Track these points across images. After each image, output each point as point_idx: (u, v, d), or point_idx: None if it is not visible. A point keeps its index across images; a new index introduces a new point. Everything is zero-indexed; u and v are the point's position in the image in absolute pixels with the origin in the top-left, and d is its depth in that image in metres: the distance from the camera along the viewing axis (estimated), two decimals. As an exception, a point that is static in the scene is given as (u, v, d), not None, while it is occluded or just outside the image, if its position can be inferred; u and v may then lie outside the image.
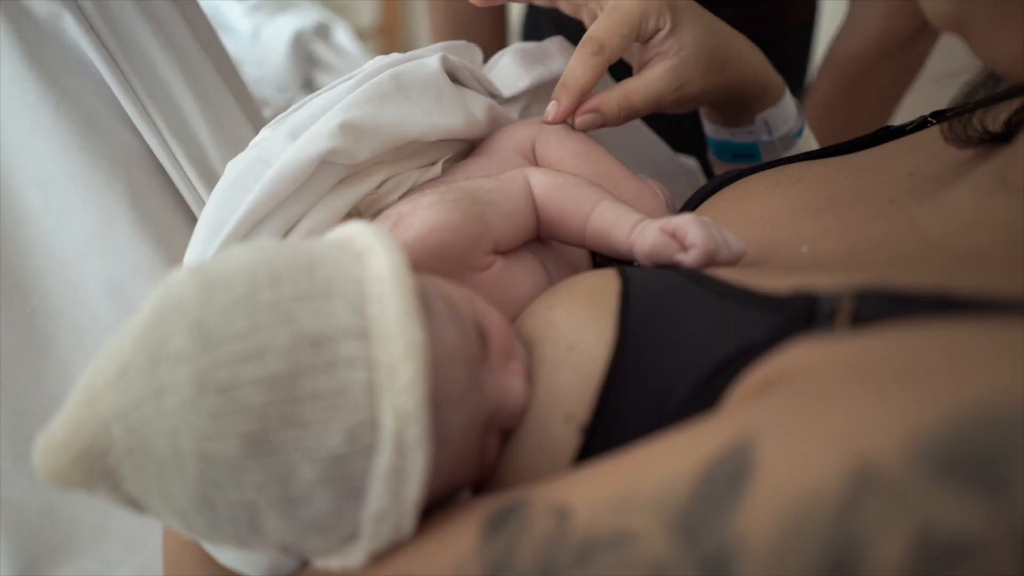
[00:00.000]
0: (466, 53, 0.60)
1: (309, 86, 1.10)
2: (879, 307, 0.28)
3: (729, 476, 0.24)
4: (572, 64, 0.55)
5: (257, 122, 0.61)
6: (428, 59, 0.53)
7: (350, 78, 0.52)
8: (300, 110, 0.51)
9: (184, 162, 0.55)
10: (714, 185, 0.55)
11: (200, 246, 0.44)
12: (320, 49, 1.09)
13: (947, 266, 0.32)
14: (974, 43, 0.32)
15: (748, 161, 0.64)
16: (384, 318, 0.32)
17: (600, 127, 0.56)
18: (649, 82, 0.56)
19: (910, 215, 0.39)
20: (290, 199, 0.44)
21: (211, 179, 0.56)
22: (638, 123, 0.70)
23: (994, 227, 0.34)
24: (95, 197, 0.53)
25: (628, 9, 0.55)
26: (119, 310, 0.53)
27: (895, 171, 0.45)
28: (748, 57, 0.59)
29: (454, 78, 0.55)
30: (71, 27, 0.52)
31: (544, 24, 1.12)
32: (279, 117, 0.52)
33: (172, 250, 0.54)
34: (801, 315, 0.30)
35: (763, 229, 0.46)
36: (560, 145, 0.55)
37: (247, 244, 0.35)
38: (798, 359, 0.28)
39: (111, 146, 0.53)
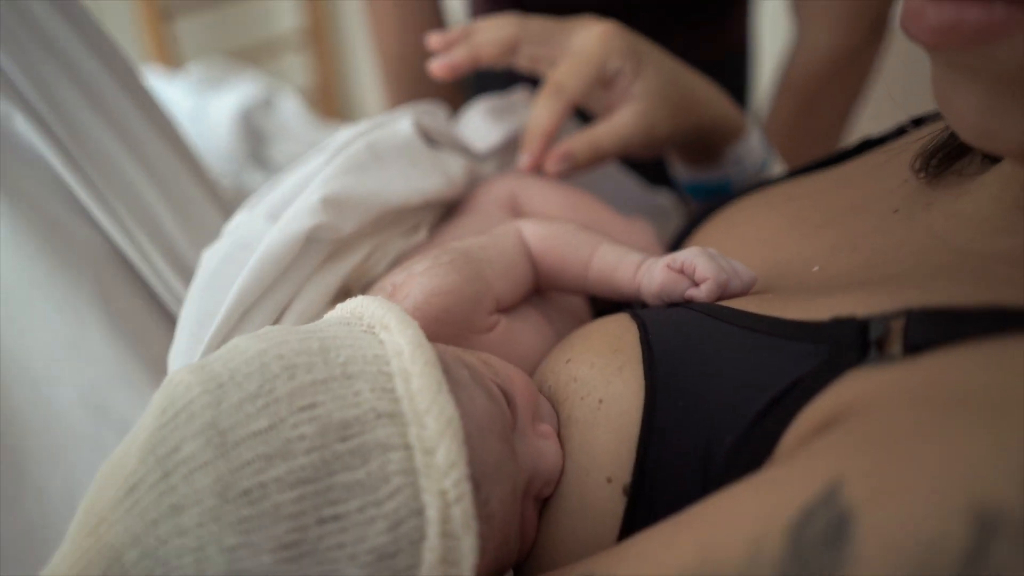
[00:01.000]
0: (433, 112, 0.59)
1: (257, 159, 1.08)
2: (931, 329, 0.27)
3: (825, 531, 0.22)
4: (535, 110, 0.55)
5: (221, 204, 0.59)
6: (400, 124, 0.52)
7: (322, 152, 0.51)
8: (274, 191, 0.49)
9: (153, 254, 0.52)
10: (701, 214, 0.54)
11: (187, 343, 0.42)
12: (266, 121, 1.07)
13: (983, 274, 0.31)
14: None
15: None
16: (412, 395, 0.30)
17: (572, 171, 0.55)
18: (617, 125, 0.56)
19: (923, 223, 0.38)
20: (278, 282, 0.42)
21: (183, 269, 0.53)
22: (613, 165, 0.70)
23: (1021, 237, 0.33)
24: (60, 303, 0.50)
25: (588, 51, 0.55)
26: (97, 422, 0.50)
27: (888, 179, 0.44)
28: (712, 96, 0.60)
29: (427, 140, 0.54)
30: (22, 126, 0.49)
31: (492, 74, 1.12)
32: (251, 199, 0.50)
33: (149, 351, 0.51)
34: (848, 344, 0.29)
35: (764, 252, 0.46)
36: (542, 195, 0.54)
37: (248, 336, 0.33)
38: (858, 392, 0.27)
39: (73, 246, 0.50)
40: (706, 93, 0.60)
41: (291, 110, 1.13)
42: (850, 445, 0.24)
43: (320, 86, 2.50)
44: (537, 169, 0.56)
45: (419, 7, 0.95)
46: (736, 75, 1.04)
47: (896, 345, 0.28)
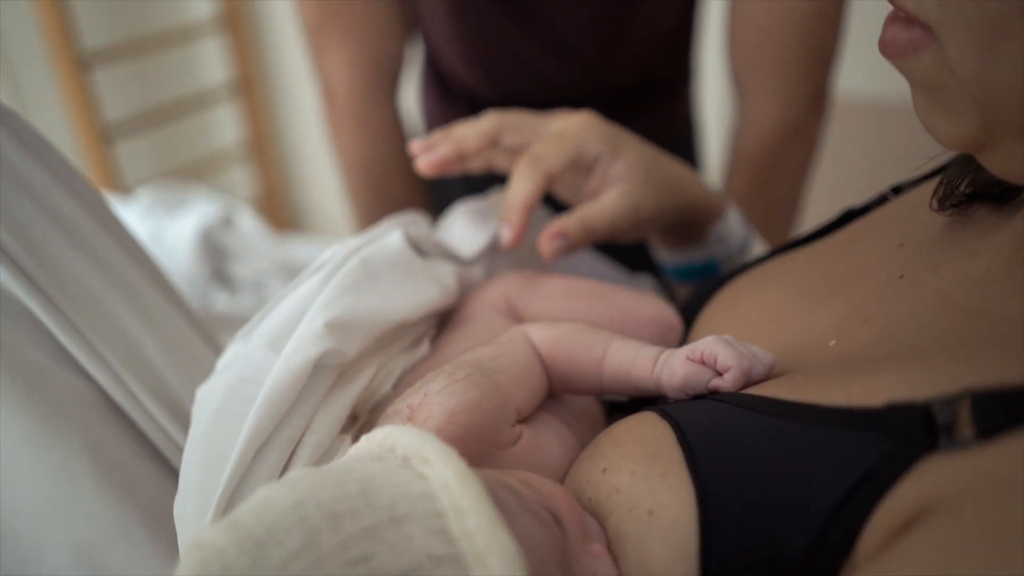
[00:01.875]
0: (416, 222, 0.59)
1: (220, 277, 1.06)
2: (1001, 410, 0.27)
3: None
4: (513, 183, 0.55)
5: (203, 333, 0.57)
6: (390, 238, 0.51)
7: (314, 272, 0.49)
8: (267, 318, 0.47)
9: (142, 394, 0.49)
10: (698, 301, 0.54)
11: (197, 492, 0.39)
12: (227, 238, 1.06)
13: (1015, 340, 0.32)
14: (996, 159, 0.33)
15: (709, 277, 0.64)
16: (469, 534, 0.28)
17: (567, 252, 0.55)
18: (605, 205, 0.56)
19: (932, 287, 0.39)
20: (288, 415, 0.40)
21: (175, 408, 0.51)
22: (589, 254, 0.70)
23: None
24: (48, 456, 0.47)
25: (567, 132, 0.56)
26: (92, 581, 0.46)
27: (882, 245, 0.45)
28: (690, 177, 0.61)
29: (417, 250, 0.53)
30: (3, 276, 0.47)
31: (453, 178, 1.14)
32: (245, 330, 0.48)
33: (144, 502, 0.48)
34: (914, 431, 0.29)
35: (772, 331, 0.46)
36: (539, 293, 0.54)
37: (276, 484, 0.31)
38: (940, 483, 0.26)
39: (59, 396, 0.48)
40: (684, 173, 0.61)
41: (250, 227, 1.12)
42: (955, 543, 0.24)
43: (266, 197, 2.50)
44: (518, 242, 0.55)
45: (377, 114, 0.96)
46: (686, 157, 1.07)
47: (967, 429, 0.27)
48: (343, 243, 0.52)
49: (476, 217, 0.61)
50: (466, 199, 0.63)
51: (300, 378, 0.40)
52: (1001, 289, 0.35)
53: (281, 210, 2.54)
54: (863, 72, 1.32)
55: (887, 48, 0.33)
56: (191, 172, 2.28)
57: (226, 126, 2.51)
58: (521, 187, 0.54)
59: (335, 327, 0.43)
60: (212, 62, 2.42)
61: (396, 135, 0.98)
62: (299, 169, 2.59)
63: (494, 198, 0.64)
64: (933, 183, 0.46)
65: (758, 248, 0.66)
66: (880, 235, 0.46)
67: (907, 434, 0.29)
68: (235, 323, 0.82)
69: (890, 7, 0.33)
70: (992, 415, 0.27)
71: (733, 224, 0.63)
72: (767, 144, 0.87)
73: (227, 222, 1.08)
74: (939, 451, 0.27)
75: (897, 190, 0.51)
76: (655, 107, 1.03)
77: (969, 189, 0.40)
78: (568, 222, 0.55)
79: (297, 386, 0.40)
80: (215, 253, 1.06)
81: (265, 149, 2.46)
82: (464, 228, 0.60)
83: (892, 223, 0.46)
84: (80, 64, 1.88)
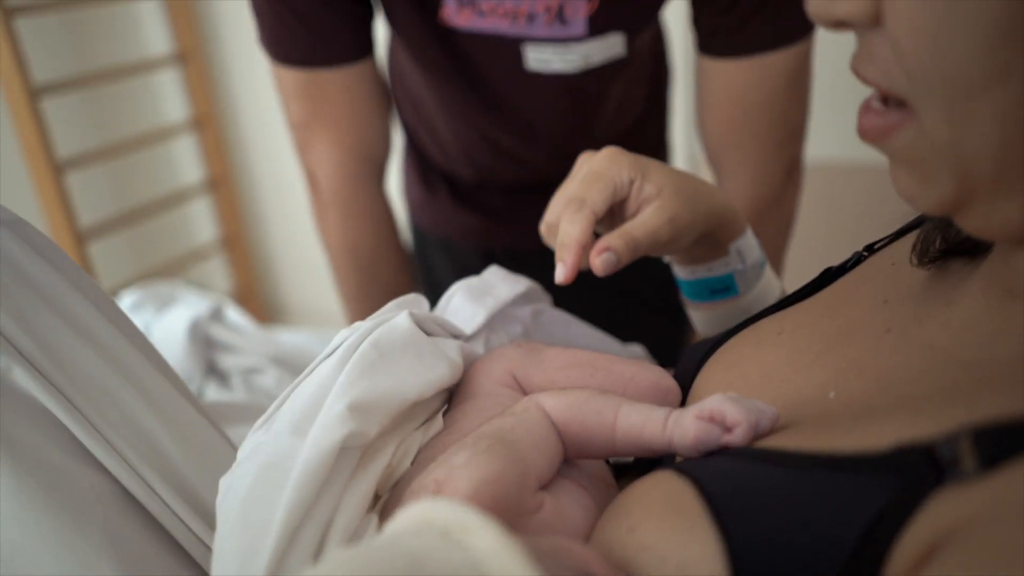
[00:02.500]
0: (418, 302, 0.61)
1: (213, 370, 1.07)
2: (1000, 442, 0.29)
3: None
4: (562, 226, 0.57)
5: (213, 423, 0.58)
6: (397, 320, 0.53)
7: (327, 358, 0.51)
8: (287, 405, 0.49)
9: (160, 487, 0.50)
10: (693, 364, 0.57)
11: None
12: (218, 331, 1.07)
13: (1005, 381, 0.34)
14: (971, 219, 0.35)
15: (725, 295, 0.66)
16: None
17: (615, 268, 0.57)
18: (645, 220, 0.58)
19: (919, 339, 0.42)
20: (318, 497, 0.41)
21: (191, 499, 0.51)
22: (582, 325, 0.72)
23: (1018, 335, 0.37)
24: (70, 554, 0.47)
25: (599, 169, 0.59)
26: None
27: (867, 302, 0.48)
28: (712, 189, 0.63)
29: (423, 330, 0.55)
30: (20, 378, 0.48)
31: (435, 255, 1.17)
32: (262, 420, 0.49)
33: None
34: (922, 469, 0.31)
35: (773, 387, 0.48)
36: (540, 366, 0.56)
37: (324, 566, 0.32)
38: (953, 514, 0.28)
39: (80, 493, 0.48)
40: (706, 184, 0.63)
41: (238, 320, 1.13)
42: (972, 569, 0.26)
43: (242, 291, 2.50)
44: (572, 279, 0.56)
45: (364, 203, 0.99)
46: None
47: (970, 462, 0.29)
48: (351, 328, 0.54)
49: (473, 295, 0.63)
50: (452, 280, 0.65)
51: (328, 461, 0.42)
52: (981, 333, 0.38)
53: (258, 304, 2.55)
54: (822, 138, 1.39)
55: (867, 135, 0.36)
56: (167, 270, 2.29)
57: (201, 223, 2.53)
58: (571, 228, 0.56)
59: (356, 409, 0.44)
60: (186, 160, 2.46)
61: (383, 221, 1.01)
62: (272, 263, 2.61)
63: (490, 276, 0.66)
64: (906, 240, 0.50)
65: (771, 271, 0.68)
66: (865, 293, 0.49)
67: (916, 472, 0.31)
68: (232, 413, 0.83)
69: (854, 91, 0.37)
70: (992, 447, 0.29)
71: (751, 239, 0.66)
72: (746, 218, 0.91)
73: (216, 315, 1.09)
74: (947, 485, 0.29)
75: (870, 249, 0.55)
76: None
77: (943, 246, 0.43)
78: (613, 238, 0.57)
79: (326, 468, 0.42)
80: (206, 345, 1.07)
81: (240, 244, 2.49)
82: (462, 306, 0.62)
83: (874, 281, 0.50)
84: (56, 168, 1.90)
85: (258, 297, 2.57)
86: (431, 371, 0.51)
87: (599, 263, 0.56)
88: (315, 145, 0.96)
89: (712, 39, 0.84)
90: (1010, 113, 0.30)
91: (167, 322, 1.07)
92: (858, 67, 0.36)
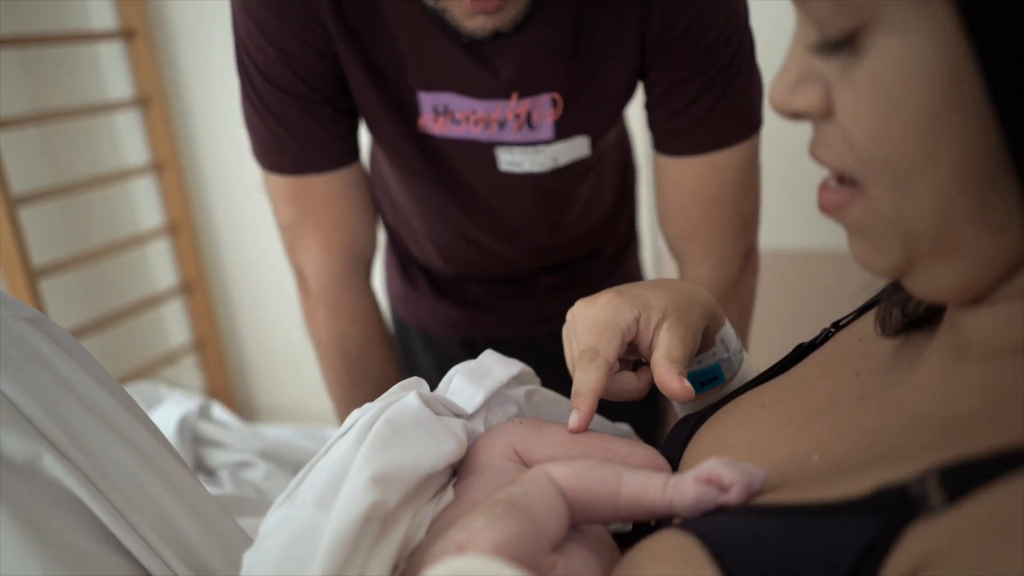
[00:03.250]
0: (419, 384, 0.64)
1: (201, 467, 1.07)
2: (962, 480, 0.34)
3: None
4: (577, 375, 0.59)
5: (222, 507, 0.60)
6: (407, 399, 0.57)
7: (343, 436, 0.54)
8: (308, 481, 0.51)
9: (180, 570, 0.52)
10: (683, 439, 0.60)
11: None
12: (205, 428, 1.08)
13: (970, 434, 0.39)
14: (918, 283, 0.41)
15: (713, 384, 0.69)
16: None
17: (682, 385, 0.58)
18: (668, 344, 0.60)
19: (892, 404, 0.46)
20: (345, 566, 0.44)
21: (209, 579, 0.53)
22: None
23: (973, 391, 0.42)
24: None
25: (603, 319, 0.61)
26: None
27: (840, 375, 0.53)
28: (694, 288, 0.66)
29: (429, 409, 0.59)
30: (50, 465, 0.50)
31: (417, 345, 1.20)
32: (285, 495, 0.52)
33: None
34: (896, 507, 0.35)
35: (759, 454, 0.52)
36: (542, 442, 0.59)
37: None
38: (928, 545, 0.32)
39: (104, 577, 0.50)
40: (689, 285, 0.66)
41: (224, 417, 1.15)
42: None
43: (213, 391, 2.49)
44: (584, 428, 0.58)
45: (350, 299, 1.02)
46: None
47: (937, 498, 0.34)
48: (363, 409, 0.57)
49: (472, 377, 0.67)
50: (434, 369, 0.68)
51: (356, 529, 0.44)
52: (944, 393, 0.43)
53: (229, 403, 2.53)
54: (777, 226, 1.48)
55: (825, 209, 0.42)
56: (142, 372, 2.28)
57: (176, 324, 2.54)
58: (587, 377, 0.58)
59: (379, 480, 0.47)
60: (160, 265, 2.49)
61: (369, 317, 1.05)
62: (245, 363, 2.61)
63: (486, 359, 0.70)
64: (868, 316, 0.56)
65: (746, 356, 0.72)
66: (837, 367, 0.54)
67: (892, 511, 0.35)
68: (227, 504, 0.84)
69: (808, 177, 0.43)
70: (956, 483, 0.34)
71: (729, 327, 0.70)
72: None
73: (204, 412, 1.11)
74: (920, 519, 0.34)
75: (836, 326, 0.60)
76: (604, 275, 1.13)
77: (903, 319, 0.49)
78: (662, 371, 0.58)
79: (353, 538, 0.44)
80: (193, 441, 1.08)
81: (213, 345, 2.49)
82: (462, 387, 0.66)
83: (844, 357, 0.55)
84: (31, 275, 1.92)
85: (232, 399, 2.55)
86: (441, 446, 0.55)
87: (679, 388, 0.58)
88: (303, 246, 1.00)
89: (667, 139, 0.91)
90: (942, 191, 0.36)
91: (156, 419, 1.08)
92: (815, 151, 0.42)
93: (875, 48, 0.35)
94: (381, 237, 1.10)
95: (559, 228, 1.04)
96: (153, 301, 2.36)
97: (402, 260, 1.17)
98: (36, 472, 0.50)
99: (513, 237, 1.03)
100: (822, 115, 0.40)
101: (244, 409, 2.61)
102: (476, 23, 0.72)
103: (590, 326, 0.62)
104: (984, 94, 0.33)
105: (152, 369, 2.34)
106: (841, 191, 0.41)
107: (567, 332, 0.67)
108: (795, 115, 0.41)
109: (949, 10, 0.32)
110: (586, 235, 1.10)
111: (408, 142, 0.92)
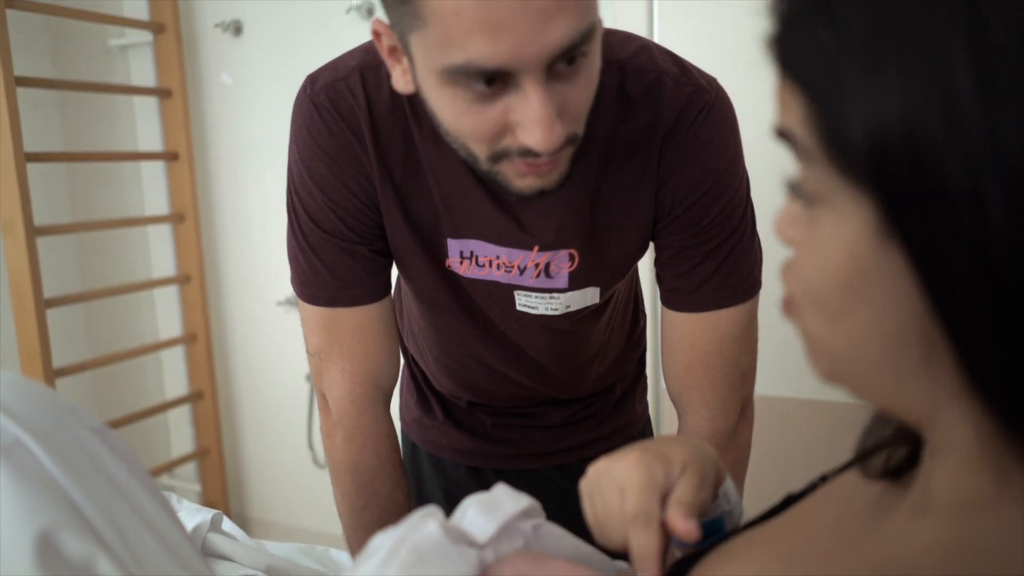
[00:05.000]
0: (436, 514, 0.70)
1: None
2: None
3: None
4: (636, 542, 0.62)
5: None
6: (429, 528, 0.62)
7: (369, 559, 0.59)
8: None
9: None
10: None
11: None
12: (215, 539, 1.11)
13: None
14: (859, 390, 0.45)
15: (716, 537, 0.72)
16: None
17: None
18: (682, 486, 0.64)
19: (865, 552, 0.51)
20: None
21: None
22: (575, 539, 0.81)
23: (930, 550, 0.47)
24: None
25: (637, 479, 0.64)
26: None
27: (824, 519, 0.58)
28: (703, 444, 0.70)
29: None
30: (104, 566, 0.55)
31: (426, 468, 1.25)
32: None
33: None
34: None
35: None
36: (547, 574, 0.64)
37: None
38: None
39: None
40: (699, 441, 0.71)
41: (233, 530, 1.18)
42: None
43: (209, 503, 2.49)
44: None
45: (368, 426, 1.08)
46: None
47: None
48: (385, 535, 0.62)
49: (485, 508, 0.72)
50: (440, 492, 0.71)
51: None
52: (911, 548, 0.48)
53: (228, 516, 2.52)
54: (771, 378, 1.55)
55: (784, 312, 0.47)
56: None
57: (181, 437, 2.56)
58: (647, 542, 0.61)
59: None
60: (173, 372, 2.54)
61: (384, 443, 1.10)
62: (247, 477, 2.61)
63: (498, 492, 0.75)
64: (852, 471, 0.61)
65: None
66: (821, 512, 0.60)
67: None
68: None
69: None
70: None
71: (730, 480, 0.75)
72: None
73: (215, 525, 1.14)
74: None
75: (824, 478, 0.66)
76: (611, 413, 1.19)
77: (886, 464, 0.55)
78: (677, 520, 0.61)
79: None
80: (204, 554, 1.11)
81: (215, 458, 2.51)
82: (475, 518, 0.71)
83: (829, 502, 0.60)
84: (50, 374, 1.98)
85: (227, 510, 2.54)
86: (458, 570, 0.59)
87: (690, 531, 0.61)
88: (328, 372, 1.07)
89: (672, 295, 0.99)
90: (860, 338, 0.41)
91: (168, 529, 1.11)
92: (783, 270, 0.46)
93: (820, 216, 0.40)
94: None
95: (569, 364, 1.11)
96: (161, 408, 2.41)
97: (419, 387, 1.23)
98: (92, 572, 0.55)
99: (527, 369, 1.10)
100: (796, 249, 0.45)
101: (239, 523, 2.60)
102: (526, 183, 0.79)
103: (629, 486, 0.65)
104: (905, 271, 0.37)
105: (154, 474, 2.36)
106: (791, 303, 0.46)
107: (590, 488, 0.69)
108: (787, 242, 0.46)
109: (870, 205, 0.37)
110: (596, 373, 1.17)
111: (434, 278, 1.00)
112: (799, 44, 0.37)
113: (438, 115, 0.75)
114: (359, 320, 1.02)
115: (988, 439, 0.40)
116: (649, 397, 1.33)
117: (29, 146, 1.99)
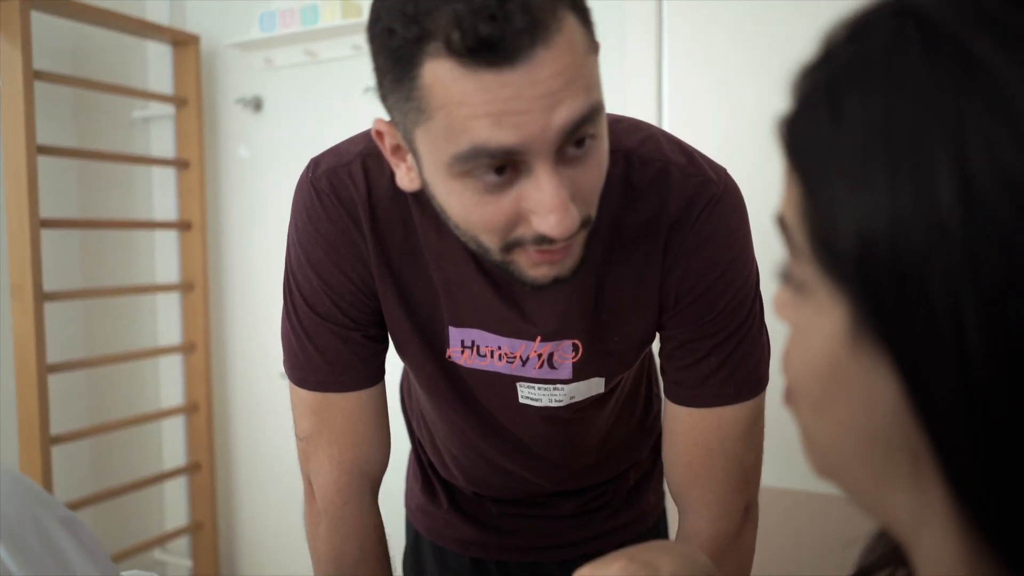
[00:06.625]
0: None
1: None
2: None
3: None
4: None
5: None
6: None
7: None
8: None
9: None
10: None
11: None
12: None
13: None
14: (845, 489, 0.43)
15: None
16: None
17: None
18: None
19: None
20: None
21: None
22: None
23: None
24: None
25: None
26: None
27: None
28: (695, 553, 0.68)
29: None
30: None
31: (428, 556, 1.20)
32: None
33: None
34: None
35: None
36: None
37: None
38: None
39: None
40: (693, 549, 0.68)
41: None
42: None
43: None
44: None
45: (353, 517, 1.03)
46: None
47: None
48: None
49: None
50: None
51: None
52: None
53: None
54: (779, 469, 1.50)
55: (784, 399, 0.46)
56: (136, 550, 2.23)
57: (177, 509, 2.51)
58: None
59: None
60: (172, 443, 2.50)
61: (368, 535, 1.05)
62: (240, 554, 2.55)
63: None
64: None
65: None
66: None
67: None
68: None
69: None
70: None
71: None
72: (707, 554, 0.97)
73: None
74: None
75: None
76: (623, 503, 1.15)
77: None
78: None
79: None
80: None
81: (207, 534, 2.45)
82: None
83: None
84: (46, 442, 1.95)
85: (215, 589, 2.47)
86: None
87: None
88: (316, 458, 1.03)
89: (675, 388, 0.95)
90: (838, 432, 0.40)
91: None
92: (783, 354, 0.45)
93: (807, 303, 0.39)
94: (401, 452, 1.14)
95: (576, 454, 1.07)
96: (158, 479, 2.36)
97: (424, 473, 1.20)
98: None
99: (532, 462, 1.07)
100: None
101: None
102: (539, 272, 0.77)
103: None
104: (885, 373, 0.36)
105: (145, 547, 2.30)
106: (789, 393, 0.45)
107: None
108: (785, 323, 0.45)
109: (850, 305, 0.36)
110: (605, 462, 1.13)
111: (435, 367, 0.98)
112: (803, 131, 0.37)
113: (448, 210, 0.74)
114: (349, 406, 1.00)
115: (973, 562, 0.37)
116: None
117: (45, 212, 2.01)
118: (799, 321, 0.41)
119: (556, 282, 0.78)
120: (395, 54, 0.65)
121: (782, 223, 0.40)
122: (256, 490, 2.48)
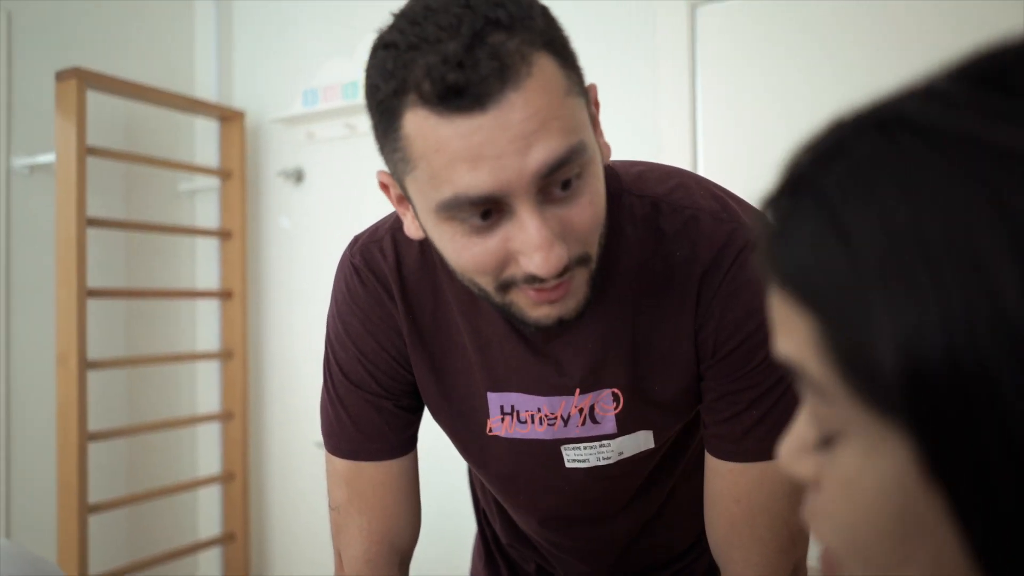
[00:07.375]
0: None
1: None
2: None
3: None
4: None
5: None
6: None
7: None
8: None
9: None
10: None
11: None
12: None
13: None
14: None
15: None
16: None
17: None
18: None
19: None
20: None
21: None
22: None
23: None
24: None
25: None
26: None
27: None
28: None
29: None
30: None
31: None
32: None
33: None
34: None
35: None
36: None
37: None
38: None
39: None
40: None
41: None
42: None
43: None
44: None
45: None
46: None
47: None
48: None
49: None
50: None
51: None
52: None
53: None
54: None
55: (822, 566, 0.42)
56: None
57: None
58: None
59: None
60: (208, 514, 2.49)
61: None
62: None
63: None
64: None
65: None
66: None
67: None
68: None
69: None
70: None
71: None
72: None
73: None
74: None
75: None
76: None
77: None
78: None
79: None
80: None
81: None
82: None
83: None
84: (83, 511, 1.95)
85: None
86: None
87: None
88: (347, 529, 1.02)
89: (715, 441, 0.92)
90: None
91: None
92: (807, 515, 0.40)
93: (844, 456, 0.35)
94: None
95: (633, 516, 1.04)
96: (191, 548, 2.34)
97: (488, 550, 1.17)
98: None
99: (598, 544, 1.04)
100: (812, 485, 0.39)
101: None
102: (540, 312, 0.76)
103: None
104: (947, 514, 0.32)
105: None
106: (830, 558, 0.40)
107: None
108: (798, 478, 0.41)
109: (907, 439, 0.31)
110: (667, 530, 1.09)
111: (477, 443, 0.97)
112: (809, 264, 0.33)
113: (443, 253, 0.75)
114: (380, 476, 0.99)
115: None
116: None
117: (92, 282, 2.07)
118: (837, 473, 0.36)
119: (561, 323, 0.76)
120: (380, 108, 0.68)
121: (789, 364, 0.36)
122: (290, 563, 2.44)
